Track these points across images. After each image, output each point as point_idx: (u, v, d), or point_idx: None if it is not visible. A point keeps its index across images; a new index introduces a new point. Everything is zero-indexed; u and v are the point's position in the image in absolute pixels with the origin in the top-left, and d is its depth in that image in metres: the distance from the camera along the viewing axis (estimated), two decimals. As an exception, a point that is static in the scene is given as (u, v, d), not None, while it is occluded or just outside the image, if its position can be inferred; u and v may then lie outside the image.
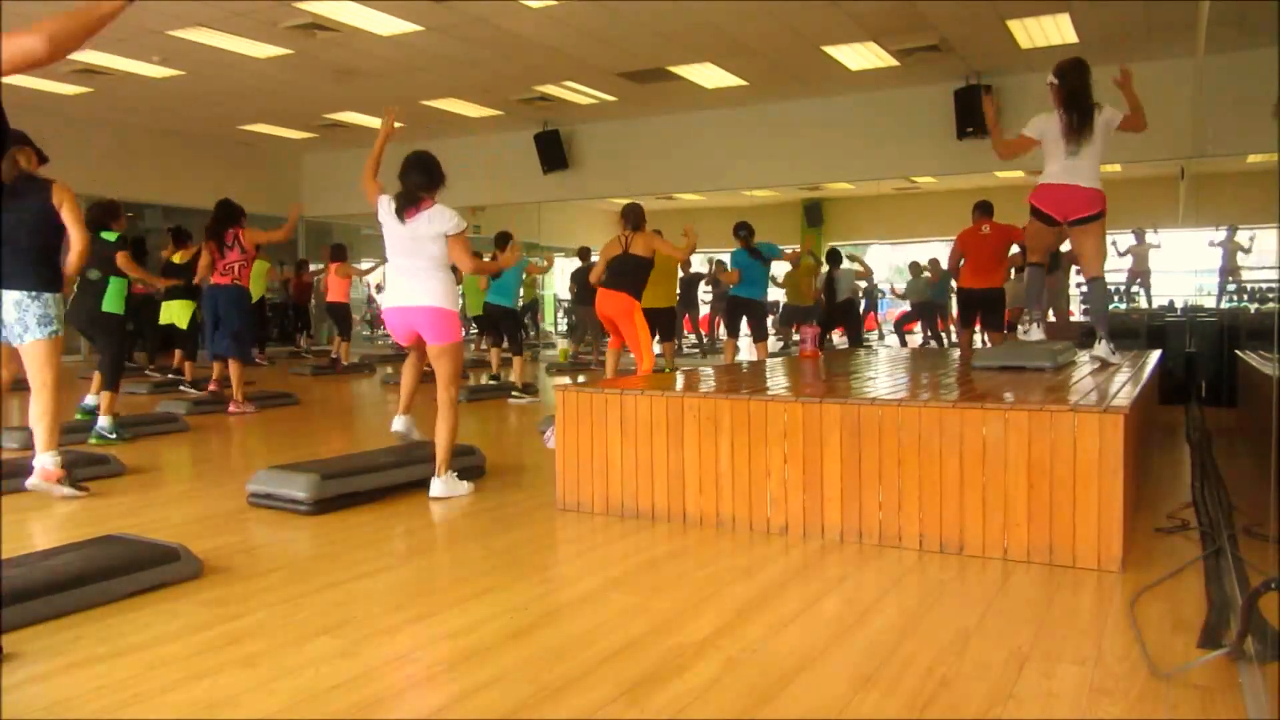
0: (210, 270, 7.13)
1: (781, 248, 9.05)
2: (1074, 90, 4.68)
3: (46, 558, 2.74)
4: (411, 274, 4.13)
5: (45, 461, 4.08)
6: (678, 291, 9.34)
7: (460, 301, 4.18)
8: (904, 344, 14.60)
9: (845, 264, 11.61)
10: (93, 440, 5.57)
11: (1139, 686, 2.02)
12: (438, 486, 4.08)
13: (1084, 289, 5.04)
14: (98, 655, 2.22)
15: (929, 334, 14.69)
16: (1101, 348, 4.80)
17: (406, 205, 4.10)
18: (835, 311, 11.10)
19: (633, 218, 6.20)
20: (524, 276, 9.21)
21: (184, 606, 2.59)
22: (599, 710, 1.90)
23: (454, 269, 4.25)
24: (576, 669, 2.12)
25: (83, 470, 4.40)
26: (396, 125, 4.44)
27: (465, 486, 4.17)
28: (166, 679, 2.08)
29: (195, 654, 2.23)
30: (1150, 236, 13.96)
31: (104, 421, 5.65)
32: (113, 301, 5.79)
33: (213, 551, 3.10)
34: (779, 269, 11.30)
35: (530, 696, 1.97)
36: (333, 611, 2.55)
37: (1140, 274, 13.91)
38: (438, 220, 4.08)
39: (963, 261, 7.84)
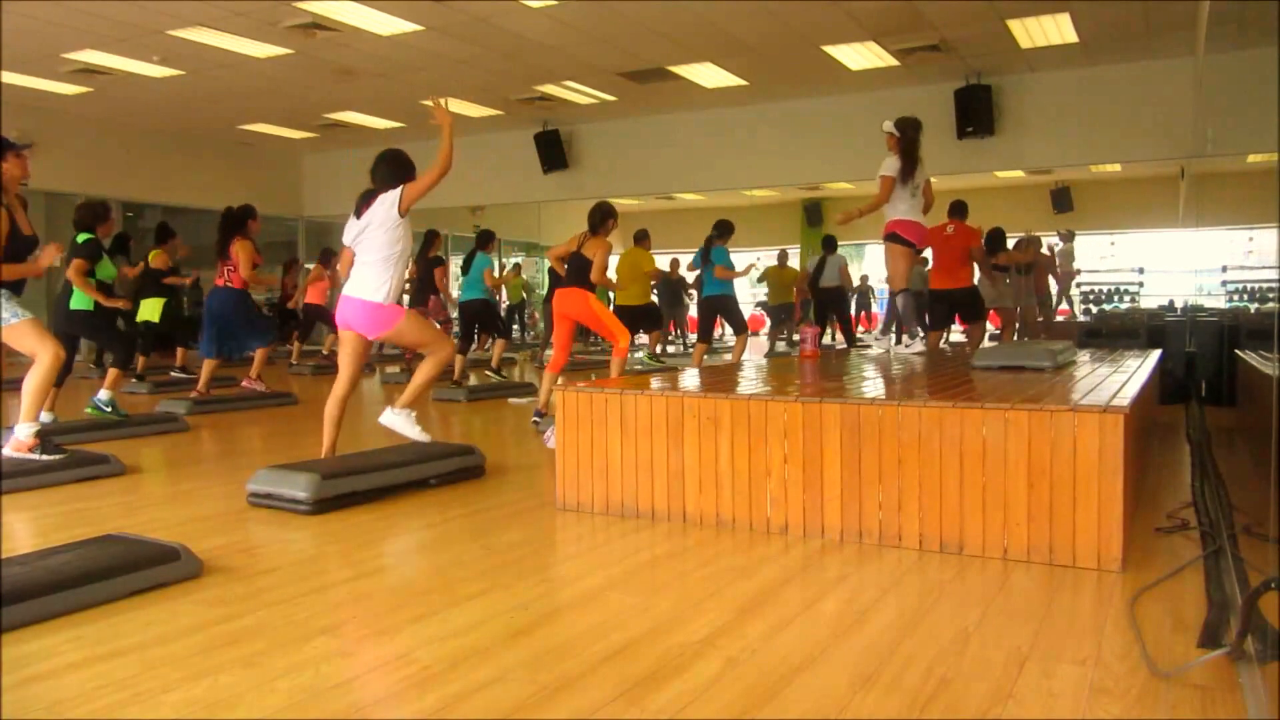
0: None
1: (741, 264, 9.01)
2: (913, 141, 5.92)
3: (46, 557, 2.74)
4: (358, 265, 4.25)
5: (18, 431, 4.31)
6: (654, 290, 9.34)
7: (393, 295, 4.28)
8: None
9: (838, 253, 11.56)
10: (88, 410, 5.80)
11: (1139, 686, 2.02)
12: (389, 415, 4.34)
13: (900, 299, 6.26)
14: (98, 655, 2.22)
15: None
16: (913, 344, 6.10)
17: (361, 203, 4.23)
18: (821, 296, 11.02)
19: (591, 219, 6.06)
20: (498, 275, 9.29)
21: (184, 606, 2.59)
22: (599, 710, 1.90)
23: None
24: (576, 669, 2.12)
25: (82, 470, 4.41)
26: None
27: (418, 432, 4.35)
28: (166, 679, 2.08)
29: (195, 654, 2.23)
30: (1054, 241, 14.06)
31: (103, 394, 5.81)
32: (79, 299, 5.88)
33: (213, 551, 3.10)
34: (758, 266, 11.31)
35: (530, 696, 1.97)
36: (333, 611, 2.55)
37: (1066, 275, 14.06)
38: (388, 202, 4.15)
39: (929, 266, 8.02)
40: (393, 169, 4.21)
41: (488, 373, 8.75)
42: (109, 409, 5.87)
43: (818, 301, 11.05)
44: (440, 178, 4.12)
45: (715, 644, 2.27)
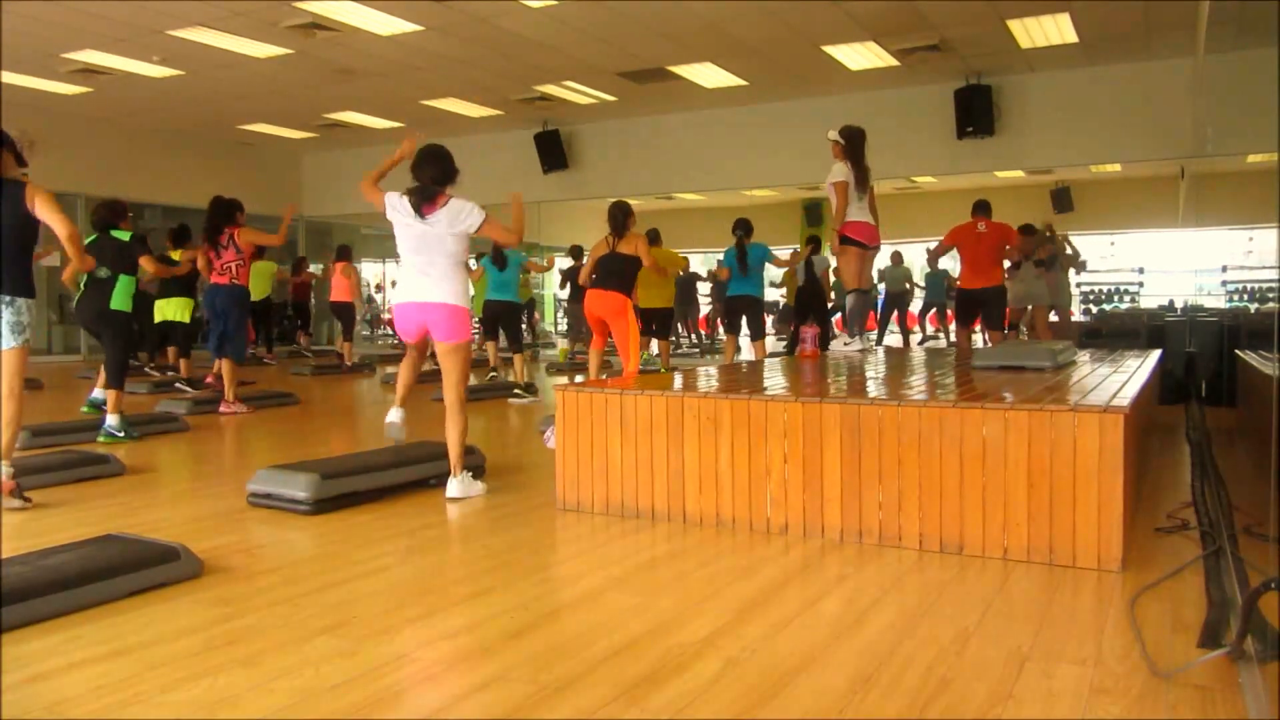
0: (209, 270, 7.16)
1: (777, 252, 9.03)
2: (860, 148, 6.12)
3: (46, 557, 2.74)
4: (425, 271, 4.06)
5: None
6: (674, 291, 9.38)
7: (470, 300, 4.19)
8: (906, 342, 14.57)
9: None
10: (101, 439, 5.62)
11: (1139, 686, 2.02)
12: (454, 487, 4.06)
13: (850, 298, 6.57)
14: (98, 655, 2.22)
15: (897, 327, 14.63)
16: (852, 343, 6.45)
17: (424, 201, 4.04)
18: (803, 295, 11.01)
19: (614, 220, 6.19)
20: (521, 274, 9.19)
21: (184, 606, 2.59)
22: (599, 710, 1.90)
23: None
24: (576, 669, 2.12)
25: (83, 470, 4.41)
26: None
27: (480, 487, 4.16)
28: (166, 679, 2.08)
29: (195, 654, 2.23)
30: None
31: (112, 420, 5.68)
32: (120, 299, 5.81)
33: (213, 551, 3.10)
34: (776, 270, 11.31)
35: (530, 696, 1.97)
36: (333, 611, 2.55)
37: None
38: (461, 217, 4.03)
39: (955, 257, 8.03)
40: (443, 168, 4.10)
41: (518, 393, 8.51)
42: (121, 434, 5.71)
43: (801, 299, 11.02)
44: (509, 242, 4.50)
45: (715, 644, 2.27)
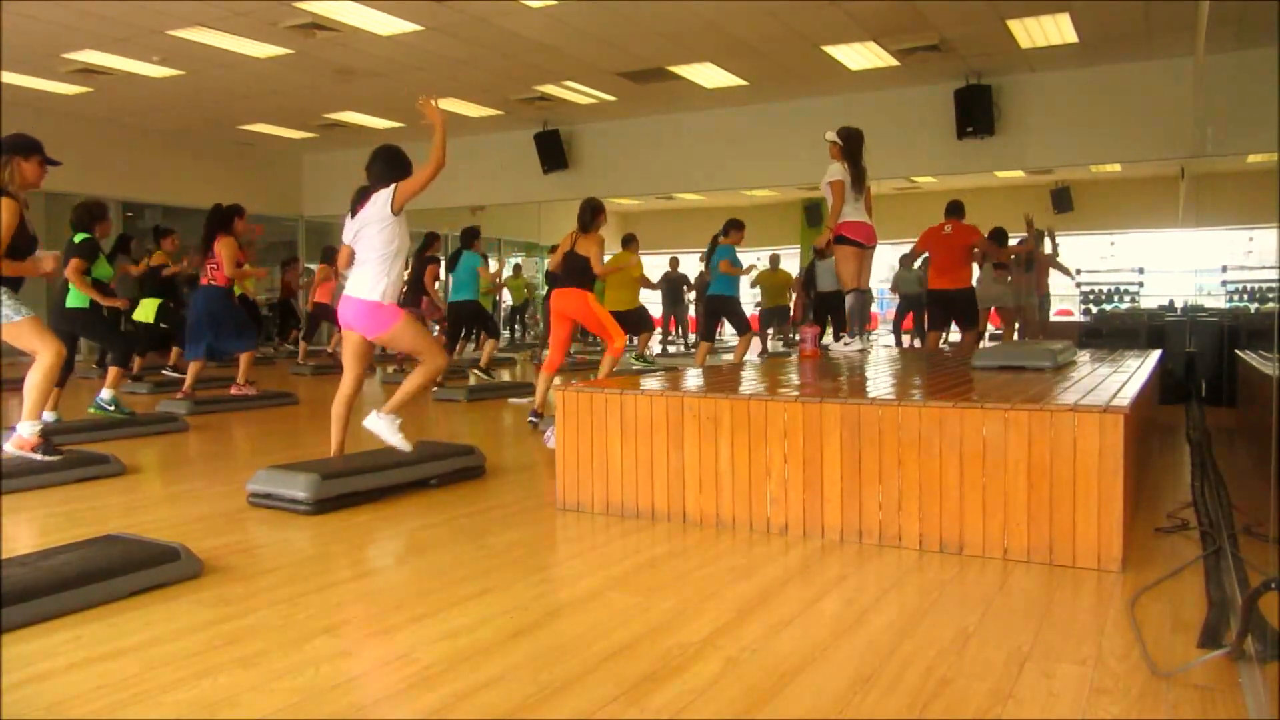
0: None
1: (744, 264, 8.91)
2: (857, 149, 6.15)
3: (46, 558, 2.74)
4: (356, 267, 4.25)
5: (21, 429, 4.32)
6: (636, 293, 9.32)
7: (390, 295, 4.23)
8: (900, 342, 14.57)
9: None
10: (91, 410, 5.88)
11: (1139, 686, 2.02)
12: (373, 419, 4.30)
13: (849, 298, 6.59)
14: (98, 655, 2.22)
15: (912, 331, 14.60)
16: (852, 344, 6.42)
17: (358, 200, 4.21)
18: (818, 300, 11.06)
19: (581, 218, 6.08)
20: (494, 273, 9.24)
21: (184, 606, 2.59)
22: (599, 710, 1.90)
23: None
24: (576, 669, 2.12)
25: (82, 470, 4.41)
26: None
27: (400, 439, 4.30)
28: (166, 679, 2.08)
29: (195, 654, 2.23)
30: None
31: (105, 393, 5.89)
32: (75, 297, 5.96)
33: (213, 551, 3.10)
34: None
35: (530, 696, 1.97)
36: (333, 611, 2.55)
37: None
38: (379, 199, 4.14)
39: (926, 260, 8.07)
40: (388, 165, 4.22)
41: (476, 372, 8.77)
42: (112, 407, 5.94)
43: (817, 305, 11.07)
44: (433, 176, 4.11)
45: (715, 644, 2.27)
